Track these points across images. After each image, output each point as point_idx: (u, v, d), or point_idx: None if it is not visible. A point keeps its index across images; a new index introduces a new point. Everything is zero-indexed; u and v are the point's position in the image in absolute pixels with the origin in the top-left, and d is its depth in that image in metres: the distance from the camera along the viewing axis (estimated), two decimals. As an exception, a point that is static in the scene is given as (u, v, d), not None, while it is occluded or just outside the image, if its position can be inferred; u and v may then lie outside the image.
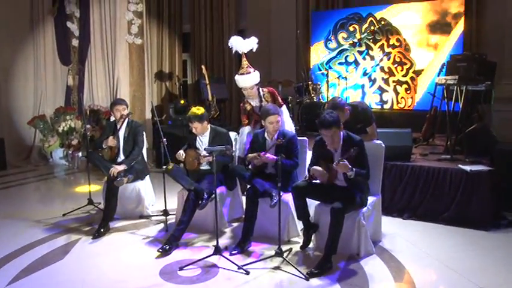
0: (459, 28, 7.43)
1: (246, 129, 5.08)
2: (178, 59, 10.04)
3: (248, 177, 4.49)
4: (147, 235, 4.75)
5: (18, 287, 3.66)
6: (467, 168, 4.86)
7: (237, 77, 4.99)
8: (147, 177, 5.45)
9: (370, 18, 8.14)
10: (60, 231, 4.91)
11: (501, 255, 4.14)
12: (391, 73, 8.10)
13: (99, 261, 4.16)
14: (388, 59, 8.04)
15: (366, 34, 8.14)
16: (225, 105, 9.31)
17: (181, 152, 4.77)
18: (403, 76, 7.99)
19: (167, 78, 9.70)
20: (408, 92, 7.98)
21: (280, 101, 5.10)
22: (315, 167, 3.95)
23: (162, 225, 4.99)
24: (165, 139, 4.93)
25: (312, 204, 4.30)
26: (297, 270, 3.80)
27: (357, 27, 8.26)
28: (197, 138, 4.88)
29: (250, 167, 4.65)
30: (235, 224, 5.00)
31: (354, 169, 3.73)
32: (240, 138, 5.13)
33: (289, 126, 5.11)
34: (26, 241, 4.60)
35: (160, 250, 4.20)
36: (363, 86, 8.38)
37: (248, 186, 4.56)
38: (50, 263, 4.10)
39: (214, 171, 4.06)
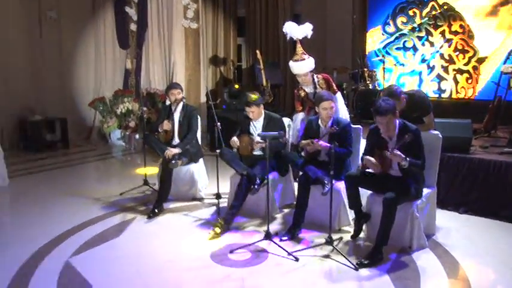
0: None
1: (299, 116, 5.06)
2: (233, 43, 10.07)
3: (301, 164, 4.48)
4: (200, 217, 4.87)
5: (80, 259, 3.89)
6: (533, 162, 4.61)
7: (292, 64, 4.96)
8: (201, 160, 5.56)
9: (432, 3, 7.80)
10: (117, 209, 5.14)
11: None
12: (451, 61, 7.76)
13: (153, 240, 4.31)
14: (449, 46, 7.69)
15: (426, 19, 7.81)
16: (279, 90, 9.28)
17: (234, 138, 4.81)
18: (464, 65, 7.63)
19: (222, 62, 9.78)
20: (470, 81, 7.62)
21: (335, 87, 5.03)
22: (368, 157, 3.87)
23: (214, 208, 5.09)
24: (219, 123, 4.98)
25: (365, 193, 4.23)
26: (347, 259, 3.78)
27: (417, 11, 7.94)
28: (251, 123, 4.90)
29: (303, 153, 4.64)
30: (286, 210, 5.03)
31: (408, 159, 3.64)
32: (293, 125, 5.12)
33: (344, 114, 5.04)
34: (86, 217, 4.85)
35: (211, 232, 4.30)
36: (420, 73, 8.09)
37: (300, 173, 4.56)
38: (108, 239, 4.32)
39: (267, 157, 4.08)
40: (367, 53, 8.53)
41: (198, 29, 8.10)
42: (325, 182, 4.19)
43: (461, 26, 7.58)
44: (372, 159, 3.86)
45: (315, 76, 4.97)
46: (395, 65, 7.76)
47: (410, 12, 8.01)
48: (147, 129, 5.74)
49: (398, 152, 3.63)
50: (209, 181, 5.75)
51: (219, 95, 9.32)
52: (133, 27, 8.57)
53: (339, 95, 5.04)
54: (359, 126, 4.84)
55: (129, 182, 6.07)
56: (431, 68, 7.98)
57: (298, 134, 4.93)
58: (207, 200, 5.38)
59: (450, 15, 7.65)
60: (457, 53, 7.65)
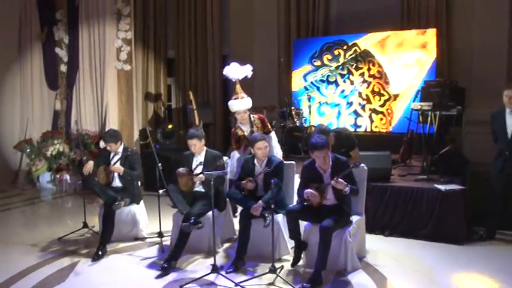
0: (432, 56, 7.92)
1: (236, 154, 5.38)
2: (163, 83, 10.29)
3: (242, 199, 4.77)
4: (145, 256, 4.96)
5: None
6: (442, 187, 5.27)
7: (231, 102, 5.31)
8: (141, 201, 5.66)
9: (355, 48, 8.56)
10: (58, 254, 5.06)
11: (477, 266, 4.54)
12: (368, 100, 8.49)
13: (101, 282, 4.35)
14: (367, 87, 8.42)
15: (349, 59, 8.52)
16: (209, 129, 9.58)
17: (180, 169, 4.99)
18: (380, 106, 8.36)
19: (153, 100, 9.93)
20: (383, 122, 8.35)
21: (270, 127, 5.43)
22: (308, 190, 4.25)
23: (157, 247, 5.18)
24: (160, 163, 5.17)
25: (301, 223, 4.60)
26: (291, 285, 4.08)
27: (341, 52, 8.64)
28: (193, 158, 5.10)
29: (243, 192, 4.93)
30: (226, 245, 5.24)
31: (348, 185, 4.08)
32: (230, 162, 5.42)
33: (278, 152, 5.44)
34: (24, 265, 4.72)
35: (160, 269, 4.42)
36: (339, 106, 8.73)
37: (239, 208, 4.85)
38: (54, 285, 4.27)
39: (212, 193, 4.32)
40: (292, 92, 9.11)
41: (131, 70, 8.25)
42: (266, 215, 4.50)
43: (379, 72, 8.35)
44: (313, 191, 4.24)
45: (251, 116, 5.35)
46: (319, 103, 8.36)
47: (336, 52, 8.71)
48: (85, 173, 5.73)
49: (341, 180, 4.07)
50: (148, 221, 5.84)
51: (151, 135, 9.40)
52: (63, 68, 8.54)
53: (273, 133, 5.45)
54: (292, 162, 5.25)
55: (65, 225, 5.98)
56: (349, 104, 8.69)
57: (236, 170, 5.23)
58: (149, 239, 5.46)
59: (370, 60, 8.42)
60: (374, 94, 8.40)
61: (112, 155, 5.39)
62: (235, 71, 5.32)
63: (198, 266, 4.66)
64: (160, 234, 5.19)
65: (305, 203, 4.35)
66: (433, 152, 6.07)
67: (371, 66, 8.40)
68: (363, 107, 8.56)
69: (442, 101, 6.19)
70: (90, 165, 5.33)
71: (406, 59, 8.13)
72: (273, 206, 4.19)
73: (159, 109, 10.18)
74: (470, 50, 7.75)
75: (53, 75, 8.74)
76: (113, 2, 8.04)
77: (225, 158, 5.45)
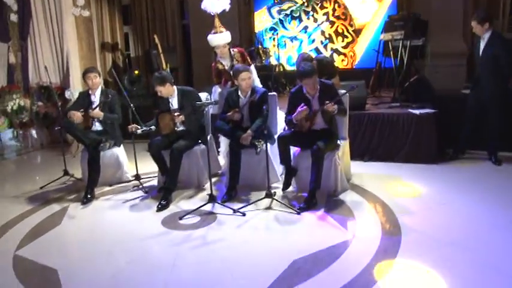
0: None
1: (218, 89, 5.38)
2: (120, 31, 9.90)
3: (230, 131, 4.82)
4: (136, 196, 4.96)
5: (29, 250, 3.75)
6: (417, 111, 5.55)
7: (211, 37, 5.24)
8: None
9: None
10: (44, 202, 4.96)
11: (450, 180, 4.94)
12: (330, 40, 8.57)
13: (99, 221, 4.36)
14: (331, 27, 8.47)
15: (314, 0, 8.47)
16: (177, 74, 9.40)
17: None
18: (342, 47, 8.46)
19: (111, 50, 9.57)
20: (345, 63, 8.48)
21: (249, 60, 5.44)
22: (298, 109, 4.34)
23: (147, 187, 5.17)
24: (132, 104, 5.09)
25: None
26: (288, 206, 4.26)
27: None
28: (169, 100, 5.05)
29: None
30: (214, 179, 5.24)
31: (336, 106, 4.23)
32: (213, 97, 5.41)
33: (258, 84, 5.47)
34: (12, 214, 4.61)
35: (159, 206, 4.48)
36: (301, 41, 8.76)
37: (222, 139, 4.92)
38: (50, 228, 4.21)
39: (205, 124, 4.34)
40: (256, 32, 9.06)
41: (90, 16, 7.87)
42: (256, 143, 4.58)
43: (343, 14, 8.39)
44: (303, 110, 4.33)
45: (231, 50, 5.32)
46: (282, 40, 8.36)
47: None
48: (62, 116, 5.54)
49: (332, 104, 4.22)
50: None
51: (114, 83, 9.13)
52: (13, 17, 7.99)
53: (252, 67, 5.45)
54: (274, 93, 5.33)
55: (43, 177, 5.83)
56: (311, 40, 8.75)
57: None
58: (134, 181, 5.43)
59: (334, 1, 8.39)
60: (338, 35, 8.46)
61: (91, 94, 5.23)
62: (213, 5, 5.22)
63: (192, 199, 4.74)
64: (137, 177, 5.19)
65: (294, 128, 4.47)
66: (402, 82, 6.33)
67: (336, 7, 8.42)
68: (325, 46, 8.67)
69: (406, 32, 6.37)
70: (78, 116, 5.06)
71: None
72: (266, 132, 4.27)
73: (117, 59, 9.84)
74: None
75: (2, 27, 8.15)
76: None
77: (204, 94, 5.44)
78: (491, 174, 5.06)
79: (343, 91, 4.91)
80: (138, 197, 4.93)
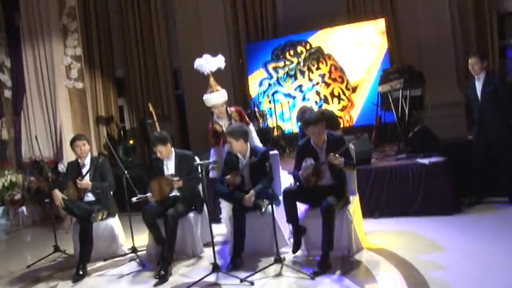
0: (384, 46, 8.10)
1: (218, 149, 5.12)
2: (114, 104, 9.87)
3: (230, 193, 4.50)
4: (132, 270, 4.55)
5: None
6: (426, 161, 5.28)
7: (207, 96, 5.05)
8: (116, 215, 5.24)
9: (308, 45, 8.52)
10: (31, 281, 4.56)
11: (473, 229, 4.57)
12: (326, 100, 8.42)
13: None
14: (327, 87, 8.37)
15: (310, 59, 8.47)
16: (174, 143, 9.20)
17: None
18: (338, 110, 8.31)
19: (105, 123, 9.45)
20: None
21: (247, 119, 5.23)
22: (303, 164, 4.08)
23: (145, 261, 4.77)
24: (126, 171, 4.86)
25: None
26: (300, 272, 3.86)
27: (304, 49, 8.57)
28: (164, 163, 4.79)
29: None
30: (206, 250, 4.82)
31: (342, 158, 3.95)
32: (213, 158, 5.13)
33: (258, 143, 5.23)
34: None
35: (157, 277, 4.07)
36: (294, 98, 8.61)
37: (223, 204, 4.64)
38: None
39: (204, 191, 4.04)
40: (252, 96, 8.98)
41: (84, 88, 7.81)
42: (261, 204, 4.26)
43: (340, 77, 8.36)
44: (307, 164, 4.06)
45: (228, 109, 5.13)
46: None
47: (298, 50, 8.65)
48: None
49: (338, 156, 3.94)
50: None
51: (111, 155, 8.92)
52: (7, 94, 7.92)
53: (251, 126, 5.25)
54: (275, 151, 5.08)
55: (33, 255, 5.41)
56: (305, 99, 8.61)
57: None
58: (130, 254, 5.02)
59: (332, 64, 8.41)
60: (334, 98, 8.36)
61: (81, 163, 4.98)
62: (208, 63, 5.10)
63: (192, 269, 4.35)
64: (134, 249, 4.82)
65: (300, 184, 4.18)
66: (405, 133, 6.13)
67: (333, 69, 8.38)
68: (320, 107, 8.51)
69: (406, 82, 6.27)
70: (58, 196, 4.78)
71: (360, 52, 8.25)
72: (270, 191, 3.98)
73: (112, 131, 9.70)
74: (418, 38, 7.98)
75: (-5, 103, 8.08)
76: (57, 17, 7.62)
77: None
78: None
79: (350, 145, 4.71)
80: (135, 271, 4.51)
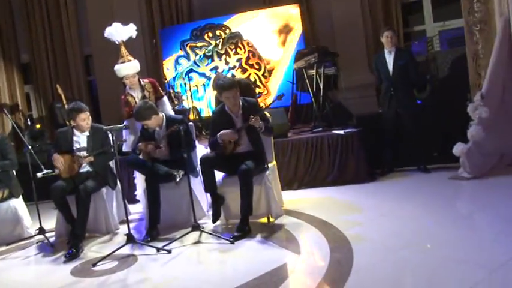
0: (298, 30, 8.22)
1: (133, 121, 4.84)
2: (20, 92, 9.17)
3: (146, 164, 4.30)
4: (40, 251, 4.21)
5: None
6: (341, 131, 5.43)
7: (118, 66, 4.78)
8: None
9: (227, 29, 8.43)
10: None
11: (386, 193, 4.79)
12: (241, 86, 8.37)
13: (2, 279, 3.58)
14: (243, 73, 8.31)
15: (229, 43, 8.36)
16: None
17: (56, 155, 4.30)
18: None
19: (10, 112, 8.71)
20: None
21: (161, 91, 5.04)
22: (222, 131, 3.99)
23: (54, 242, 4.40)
24: (30, 146, 4.55)
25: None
26: (220, 237, 3.78)
27: (222, 33, 8.44)
28: (73, 138, 4.44)
29: (141, 156, 4.44)
30: (122, 227, 4.54)
31: (261, 121, 3.92)
32: (125, 132, 4.85)
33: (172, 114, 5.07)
34: None
35: (67, 256, 3.80)
36: (209, 79, 8.48)
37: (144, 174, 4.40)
38: None
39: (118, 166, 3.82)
40: (167, 79, 8.71)
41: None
42: (175, 173, 4.10)
43: (257, 64, 8.34)
44: (227, 131, 3.98)
45: (141, 80, 4.90)
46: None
47: (217, 32, 8.49)
48: None
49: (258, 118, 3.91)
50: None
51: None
52: None
53: (165, 98, 5.06)
54: (192, 124, 4.95)
55: None
56: (220, 81, 8.48)
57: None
58: (37, 236, 4.60)
59: (250, 50, 8.36)
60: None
61: None
62: (118, 32, 4.83)
63: (106, 245, 4.13)
64: (41, 230, 4.45)
65: (218, 151, 4.09)
66: (321, 111, 6.25)
67: (251, 56, 8.34)
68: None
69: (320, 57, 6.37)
70: None
71: (275, 36, 8.32)
72: (185, 155, 3.88)
73: (18, 120, 9.00)
74: (331, 24, 8.21)
75: None
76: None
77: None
78: (423, 181, 5.06)
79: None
80: (43, 252, 4.16)
